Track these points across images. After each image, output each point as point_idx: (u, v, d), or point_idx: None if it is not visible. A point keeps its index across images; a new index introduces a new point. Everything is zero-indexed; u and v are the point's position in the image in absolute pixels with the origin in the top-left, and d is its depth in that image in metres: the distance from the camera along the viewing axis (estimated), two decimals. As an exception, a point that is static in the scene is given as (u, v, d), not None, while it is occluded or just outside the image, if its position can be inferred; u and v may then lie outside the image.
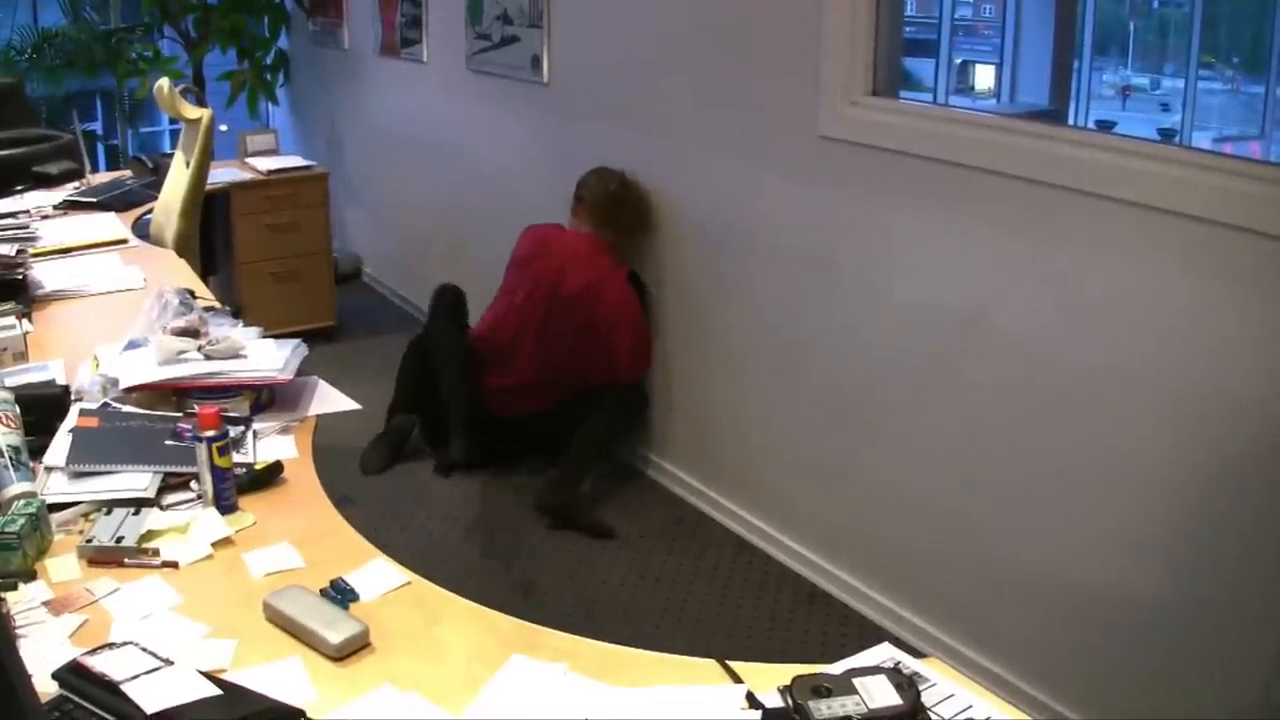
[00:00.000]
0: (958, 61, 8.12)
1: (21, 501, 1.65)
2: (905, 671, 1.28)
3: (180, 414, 1.99)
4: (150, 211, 3.86)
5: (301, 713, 1.27)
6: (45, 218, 3.56)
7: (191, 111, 3.72)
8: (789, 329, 3.11)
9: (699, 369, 3.50)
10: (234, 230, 4.71)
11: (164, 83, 3.71)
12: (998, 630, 2.63)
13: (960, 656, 2.68)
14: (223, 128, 4.75)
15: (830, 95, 2.82)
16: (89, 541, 1.61)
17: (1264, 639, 2.08)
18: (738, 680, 1.33)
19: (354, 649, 1.39)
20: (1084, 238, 2.32)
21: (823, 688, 1.19)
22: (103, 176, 4.39)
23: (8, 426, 1.79)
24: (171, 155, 3.97)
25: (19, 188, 3.86)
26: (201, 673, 1.28)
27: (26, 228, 3.20)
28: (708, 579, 3.17)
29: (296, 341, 2.22)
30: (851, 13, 2.74)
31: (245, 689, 1.28)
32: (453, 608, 1.51)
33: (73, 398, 2.05)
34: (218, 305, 2.61)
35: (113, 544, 1.60)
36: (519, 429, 3.69)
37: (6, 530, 1.55)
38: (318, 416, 2.10)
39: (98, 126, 8.27)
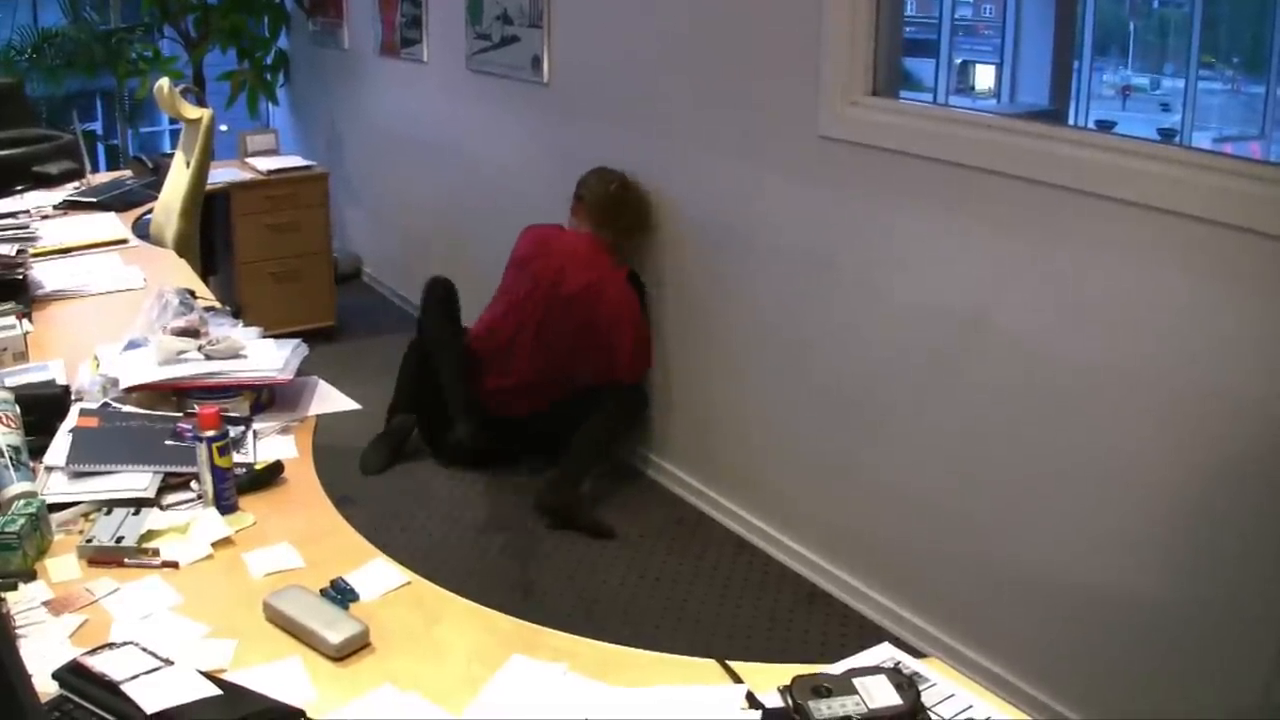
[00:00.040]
0: (958, 61, 8.12)
1: (21, 501, 1.65)
2: (905, 671, 1.28)
3: (180, 414, 1.99)
4: (150, 211, 3.86)
5: (301, 713, 1.27)
6: (45, 218, 3.56)
7: (191, 111, 3.72)
8: (789, 329, 3.11)
9: (699, 369, 3.50)
10: (234, 230, 4.71)
11: (164, 83, 3.71)
12: (998, 630, 2.63)
13: (960, 656, 2.68)
14: (223, 128, 4.75)
15: (830, 95, 2.82)
16: (89, 541, 1.61)
17: (1264, 639, 2.08)
18: (738, 680, 1.33)
19: (354, 649, 1.39)
20: (1084, 238, 2.32)
21: (823, 688, 1.19)
22: (103, 176, 4.39)
23: (8, 426, 1.79)
24: (171, 155, 3.97)
25: (19, 188, 3.86)
26: (201, 673, 1.28)
27: (26, 228, 3.20)
28: (708, 579, 3.17)
29: (296, 341, 2.22)
30: (851, 13, 2.74)
31: (245, 689, 1.28)
32: (453, 608, 1.51)
33: (73, 398, 2.05)
34: (218, 305, 2.61)
35: (113, 544, 1.60)
36: (519, 429, 3.69)
37: (6, 530, 1.55)
38: (318, 416, 2.10)
39: (98, 126, 8.26)
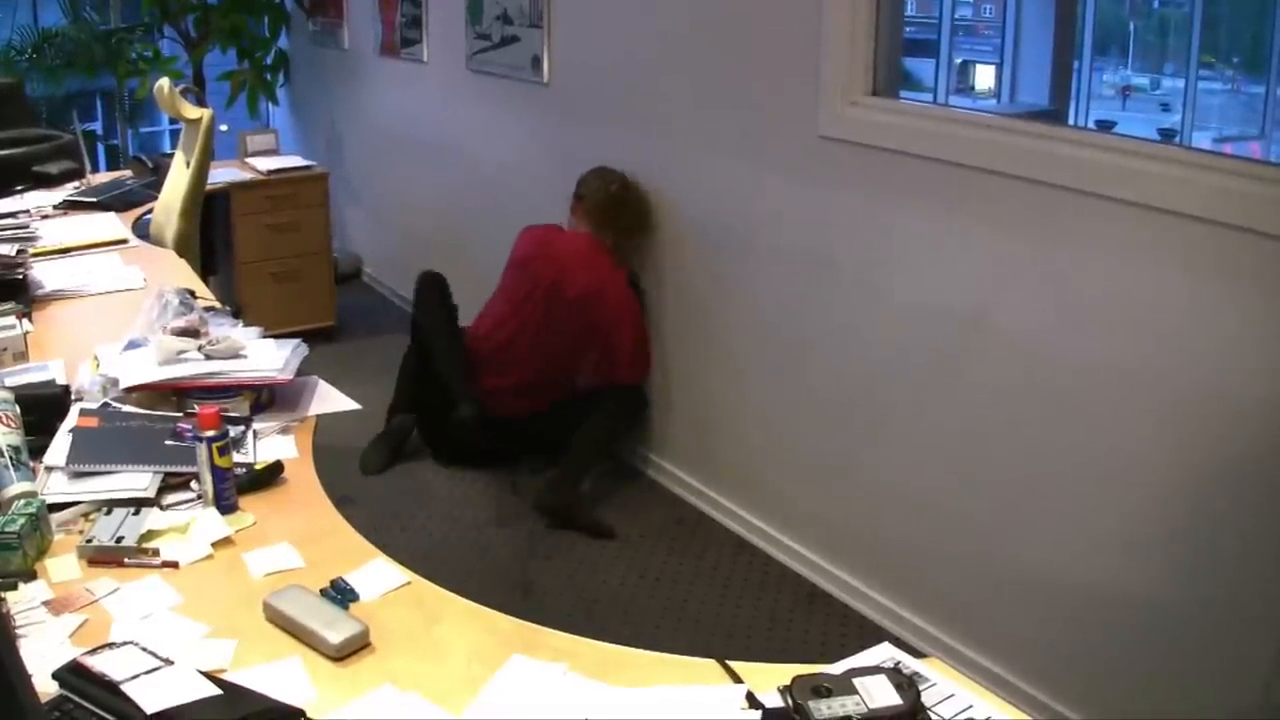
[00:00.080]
0: (958, 61, 8.12)
1: (21, 501, 1.65)
2: (905, 671, 1.28)
3: (180, 414, 1.99)
4: (150, 211, 3.86)
5: (301, 713, 1.27)
6: (45, 218, 3.56)
7: (191, 111, 3.72)
8: (789, 329, 3.11)
9: (699, 369, 3.50)
10: (234, 230, 4.71)
11: (164, 83, 3.71)
12: (998, 630, 2.63)
13: (960, 656, 2.68)
14: (223, 128, 4.75)
15: (830, 95, 2.82)
16: (89, 541, 1.61)
17: (1264, 639, 2.08)
18: (738, 680, 1.33)
19: (354, 649, 1.39)
20: (1084, 238, 2.32)
21: (823, 688, 1.19)
22: (103, 176, 4.39)
23: (8, 426, 1.79)
24: (171, 155, 3.97)
25: (19, 188, 3.86)
26: (201, 673, 1.28)
27: (26, 228, 3.20)
28: (708, 579, 3.17)
29: (296, 341, 2.22)
30: (851, 13, 2.74)
31: (245, 689, 1.28)
32: (453, 608, 1.51)
33: (73, 398, 2.05)
34: (218, 305, 2.61)
35: (113, 544, 1.60)
36: (519, 429, 3.69)
37: (6, 530, 1.55)
38: (318, 416, 2.10)
39: (98, 126, 8.27)
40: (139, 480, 1.78)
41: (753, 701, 1.28)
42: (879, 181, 2.76)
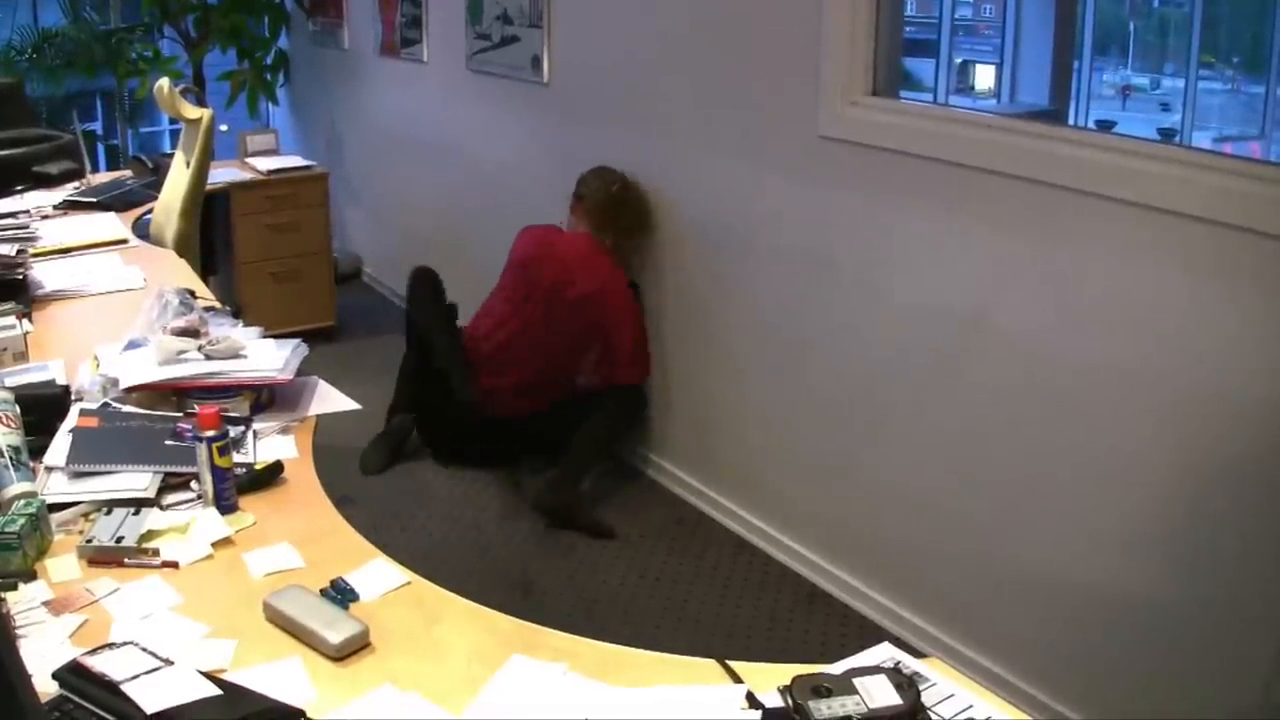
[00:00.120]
0: (958, 61, 8.12)
1: (21, 501, 1.65)
2: (905, 671, 1.28)
3: (180, 414, 1.99)
4: (150, 211, 3.86)
5: (301, 713, 1.27)
6: (45, 218, 3.56)
7: (191, 111, 3.72)
8: (789, 329, 3.11)
9: (698, 369, 3.50)
10: (234, 230, 4.71)
11: (164, 83, 3.71)
12: (998, 630, 2.63)
13: (960, 656, 2.68)
14: (223, 128, 4.75)
15: (830, 95, 2.82)
16: (89, 541, 1.61)
17: (1264, 639, 2.08)
18: (738, 680, 1.33)
19: (354, 649, 1.39)
20: (1084, 238, 2.32)
21: (823, 688, 1.19)
22: (103, 176, 4.39)
23: (8, 426, 1.79)
24: (171, 155, 3.97)
25: (19, 188, 3.86)
26: (201, 673, 1.28)
27: (26, 228, 3.20)
28: (708, 579, 3.17)
29: (296, 341, 2.22)
30: (851, 13, 2.74)
31: (245, 689, 1.28)
32: (453, 608, 1.51)
33: (73, 398, 2.05)
34: (218, 305, 2.61)
35: (113, 544, 1.60)
36: (518, 429, 3.69)
37: (6, 530, 1.55)
38: (318, 416, 2.10)
39: (98, 126, 8.27)
40: (139, 480, 1.78)
41: (753, 701, 1.28)
42: (879, 181, 2.76)
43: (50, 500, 1.71)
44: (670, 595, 3.09)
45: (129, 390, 2.03)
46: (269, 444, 1.97)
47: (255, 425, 2.00)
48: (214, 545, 1.64)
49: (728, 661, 1.36)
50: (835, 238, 2.91)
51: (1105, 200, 2.25)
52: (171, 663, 1.29)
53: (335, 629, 1.40)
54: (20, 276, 2.78)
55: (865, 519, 2.97)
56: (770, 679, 1.29)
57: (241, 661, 1.37)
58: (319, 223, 4.92)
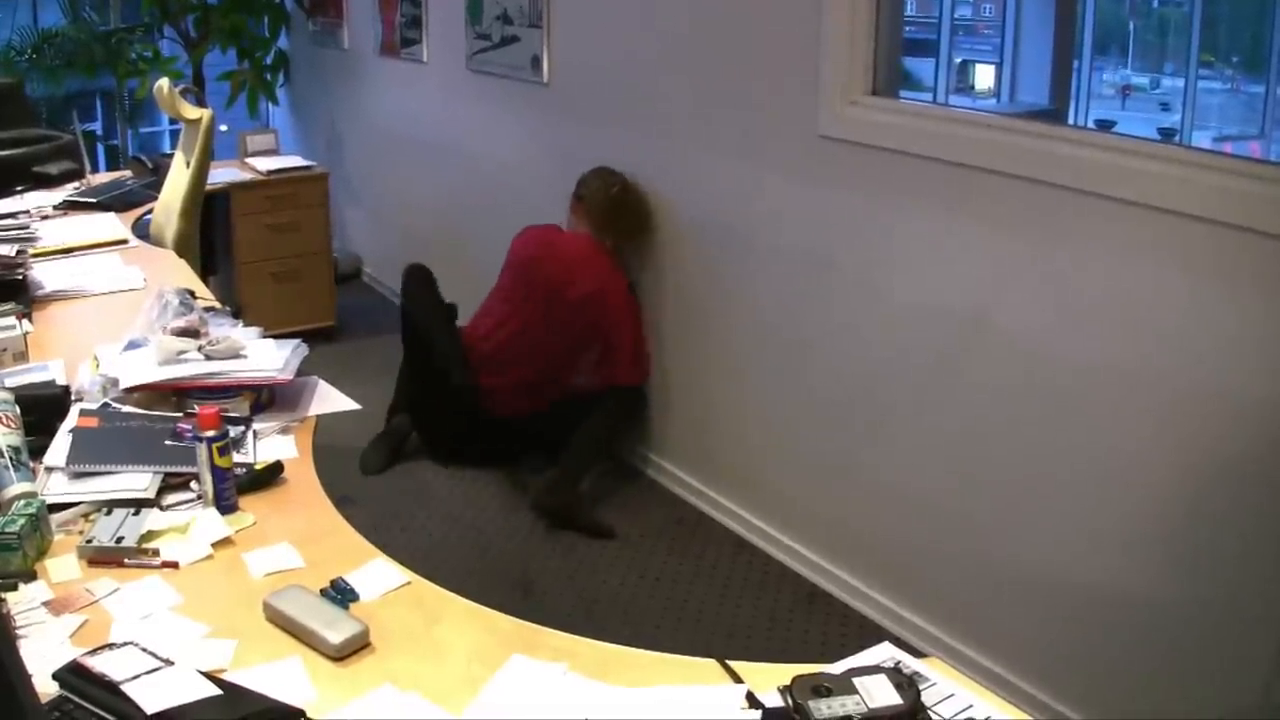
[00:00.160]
0: (958, 61, 8.12)
1: (22, 502, 1.65)
2: (905, 671, 1.28)
3: (180, 414, 1.99)
4: (150, 211, 3.86)
5: (301, 713, 1.27)
6: (45, 218, 3.56)
7: (191, 111, 3.72)
8: (789, 329, 3.11)
9: (698, 369, 3.50)
10: (234, 230, 4.71)
11: (164, 83, 3.71)
12: (998, 630, 2.63)
13: (960, 656, 2.68)
14: (223, 128, 4.75)
15: (830, 95, 2.82)
16: (89, 541, 1.61)
17: (1264, 639, 2.08)
18: (738, 680, 1.33)
19: (354, 649, 1.39)
20: (1084, 238, 2.32)
21: (823, 687, 1.19)
22: (103, 176, 4.39)
23: (8, 426, 1.79)
24: (171, 155, 3.97)
25: (19, 188, 3.86)
26: (201, 673, 1.28)
27: (26, 228, 3.20)
28: (708, 579, 3.17)
29: (296, 341, 2.22)
30: (851, 13, 2.74)
31: (245, 689, 1.28)
32: (453, 608, 1.51)
33: (73, 398, 2.05)
34: (218, 305, 2.61)
35: (113, 544, 1.60)
36: (518, 429, 3.69)
37: (6, 530, 1.55)
38: (318, 416, 2.10)
39: (98, 126, 8.27)
40: (139, 480, 1.78)
41: (753, 701, 1.28)
42: (879, 181, 2.76)
43: (50, 500, 1.71)
44: (670, 595, 3.09)
45: (129, 390, 2.03)
46: (269, 444, 1.97)
47: (255, 425, 2.00)
48: (214, 545, 1.64)
49: (728, 661, 1.36)
50: (835, 238, 2.91)
51: (1105, 200, 2.25)
52: (171, 663, 1.29)
53: (335, 629, 1.40)
54: (20, 277, 2.78)
55: (865, 519, 2.97)
56: (770, 679, 1.29)
57: (241, 661, 1.37)
58: (319, 223, 4.92)
